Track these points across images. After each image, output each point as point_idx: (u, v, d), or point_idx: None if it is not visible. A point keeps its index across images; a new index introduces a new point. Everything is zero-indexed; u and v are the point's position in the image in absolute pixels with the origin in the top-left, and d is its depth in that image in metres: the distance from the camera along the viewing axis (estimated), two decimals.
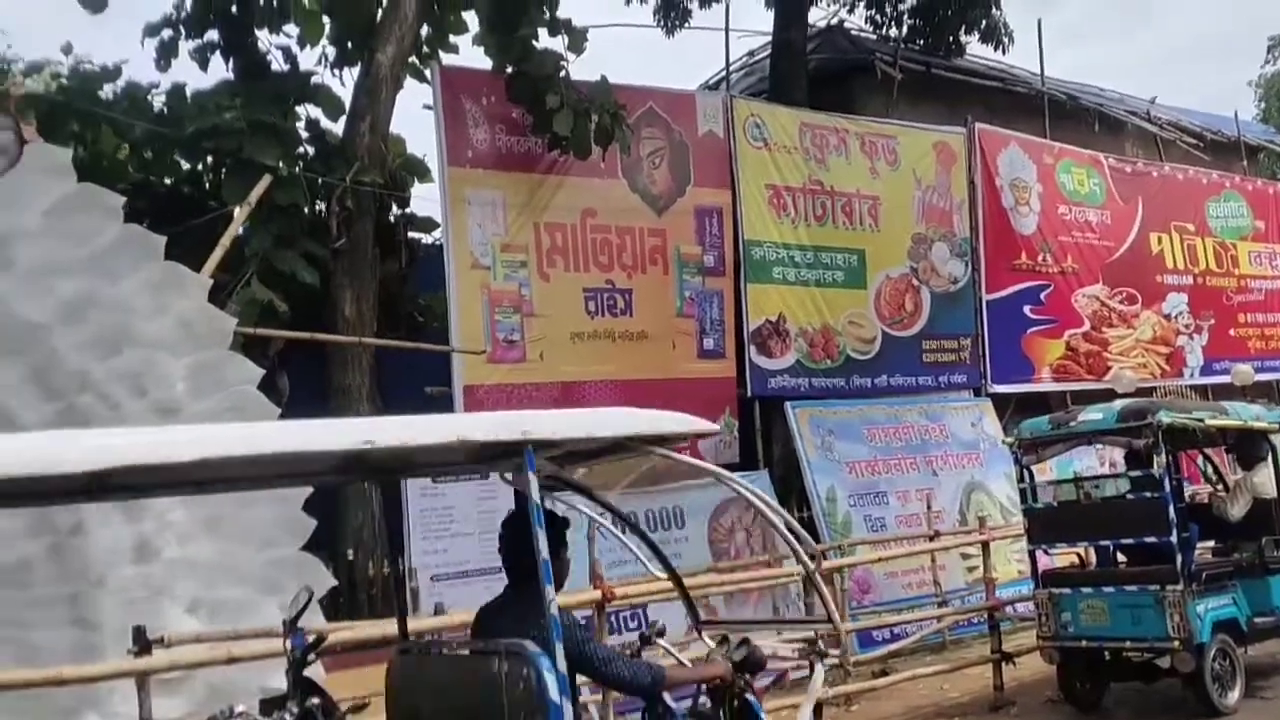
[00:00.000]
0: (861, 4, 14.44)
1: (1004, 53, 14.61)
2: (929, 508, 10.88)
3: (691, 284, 11.33)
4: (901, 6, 14.25)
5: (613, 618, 7.93)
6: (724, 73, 13.91)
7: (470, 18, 10.33)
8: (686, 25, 14.30)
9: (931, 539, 10.39)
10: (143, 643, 5.12)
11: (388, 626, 5.71)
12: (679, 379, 10.94)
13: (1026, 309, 13.71)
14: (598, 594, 6.77)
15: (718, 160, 11.59)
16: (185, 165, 9.86)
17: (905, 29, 14.39)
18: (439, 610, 6.40)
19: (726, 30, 13.49)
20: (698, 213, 11.45)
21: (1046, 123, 14.87)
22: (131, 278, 6.02)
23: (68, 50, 9.93)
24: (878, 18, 14.42)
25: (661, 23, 14.30)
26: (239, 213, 8.22)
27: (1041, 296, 13.85)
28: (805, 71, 13.20)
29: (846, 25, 15.01)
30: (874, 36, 14.64)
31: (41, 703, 5.00)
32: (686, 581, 6.73)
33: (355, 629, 5.88)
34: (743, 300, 11.49)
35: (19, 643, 5.29)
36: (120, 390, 5.86)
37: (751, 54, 15.35)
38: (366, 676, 6.48)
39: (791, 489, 11.10)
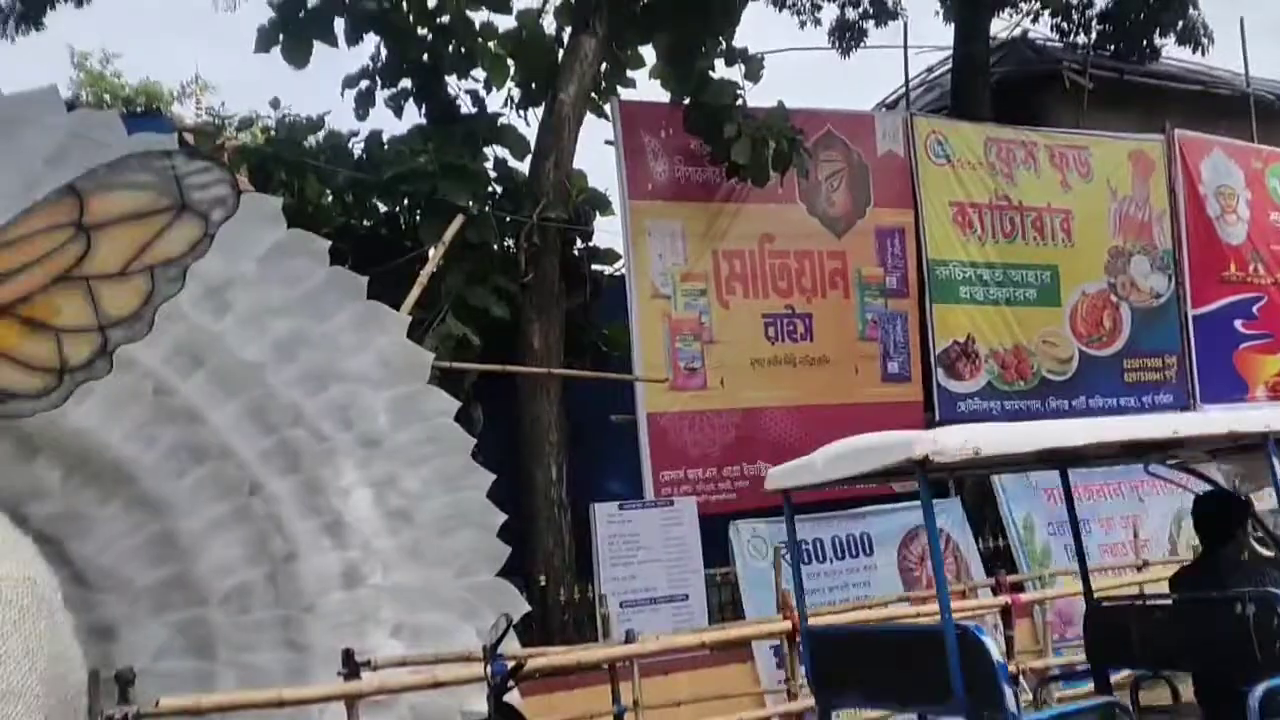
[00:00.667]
0: (1046, 12, 13.90)
1: (1203, 54, 13.78)
2: (1135, 535, 10.27)
3: (874, 306, 11.13)
4: (1090, 13, 13.66)
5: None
6: (903, 90, 13.65)
7: (647, 52, 10.48)
8: (862, 45, 14.11)
9: (1139, 569, 9.80)
10: (351, 666, 5.34)
11: (582, 653, 5.77)
12: (863, 404, 10.74)
13: (1238, 323, 12.84)
14: (787, 624, 6.68)
15: (899, 180, 11.37)
16: (383, 208, 10.32)
17: (1094, 35, 13.78)
18: (630, 637, 6.43)
19: (905, 47, 13.26)
20: (879, 234, 11.24)
21: (1253, 125, 13.94)
22: (337, 317, 6.33)
23: (275, 105, 10.59)
24: (1064, 25, 13.87)
25: (837, 44, 14.16)
26: (434, 252, 8.57)
27: (1254, 310, 12.96)
28: (988, 85, 12.82)
29: (1031, 35, 14.50)
30: (1061, 45, 14.08)
31: None
32: (878, 612, 6.62)
33: (549, 655, 5.97)
34: (928, 322, 11.21)
35: (242, 665, 5.59)
36: (329, 424, 6.15)
37: (930, 70, 15.02)
38: (557, 703, 6.58)
39: (985, 517, 10.70)
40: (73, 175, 5.10)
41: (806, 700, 6.31)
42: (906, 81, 13.54)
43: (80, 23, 37.88)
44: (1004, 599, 7.46)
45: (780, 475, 4.75)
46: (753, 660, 8.13)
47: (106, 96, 18.62)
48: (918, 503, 5.61)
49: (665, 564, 8.88)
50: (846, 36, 14.08)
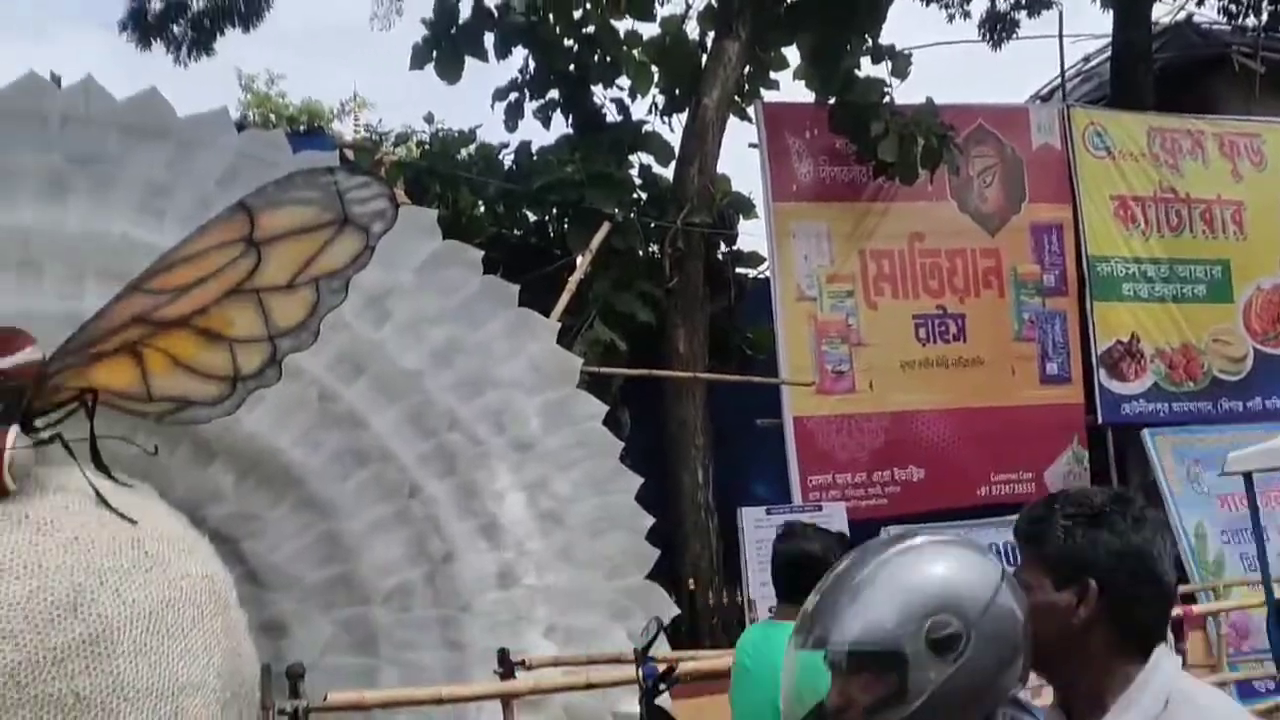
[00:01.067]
0: None
1: None
2: None
3: (1030, 305, 10.77)
4: None
5: None
6: (1058, 82, 13.17)
7: (791, 53, 10.41)
8: (1014, 36, 13.68)
9: None
10: (506, 665, 5.45)
11: (733, 658, 5.75)
12: (1020, 406, 10.41)
13: None
14: None
15: (1055, 174, 10.98)
16: (532, 217, 10.54)
17: (1265, 16, 13.01)
18: None
19: (1060, 37, 12.79)
20: (1034, 230, 10.88)
21: None
22: (491, 324, 6.43)
23: (430, 120, 10.97)
24: (1232, 8, 13.15)
25: (987, 36, 13.77)
26: (581, 259, 8.69)
27: None
28: (1151, 72, 12.24)
29: (1195, 19, 13.79)
30: (1229, 28, 13.34)
31: (423, 719, 5.44)
32: None
33: (700, 659, 5.97)
34: (1089, 321, 10.78)
35: (403, 663, 5.72)
36: (483, 428, 6.23)
37: (1087, 59, 14.45)
38: (705, 707, 6.56)
39: None
40: (243, 193, 5.35)
41: None
42: (1062, 72, 13.07)
43: (247, 47, 39.96)
44: (1176, 610, 7.07)
45: (1242, 459, 4.95)
46: None
47: (272, 116, 19.56)
48: None
49: None
50: (998, 28, 13.69)
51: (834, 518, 9.17)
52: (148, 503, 4.68)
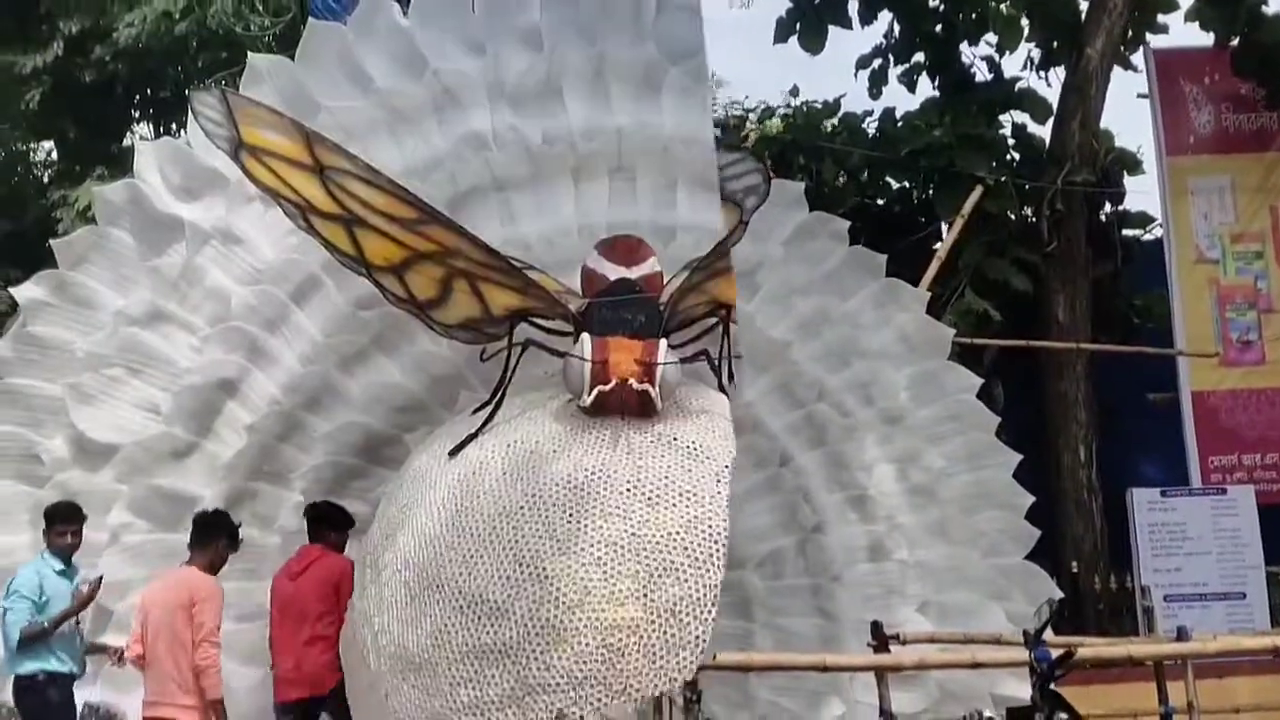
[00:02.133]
0: None
1: None
2: None
3: None
4: None
5: None
6: None
7: None
8: None
9: None
10: (880, 638, 5.37)
11: (1133, 647, 5.32)
12: None
13: None
14: None
15: None
16: (896, 185, 10.34)
17: None
18: (1183, 635, 5.80)
19: None
20: None
21: None
22: (858, 294, 6.43)
23: (795, 93, 11.03)
24: None
25: None
26: (952, 225, 8.39)
27: None
28: None
29: None
30: None
31: (797, 683, 5.54)
32: None
33: (1096, 646, 5.57)
34: None
35: (775, 628, 5.84)
36: (851, 399, 6.25)
37: None
38: (1096, 695, 6.12)
39: None
40: None
41: None
42: None
43: None
44: None
45: None
46: None
47: None
48: None
49: (1217, 557, 8.12)
50: None
51: (1240, 502, 8.32)
52: None
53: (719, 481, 4.06)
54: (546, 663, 3.79)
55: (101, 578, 4.83)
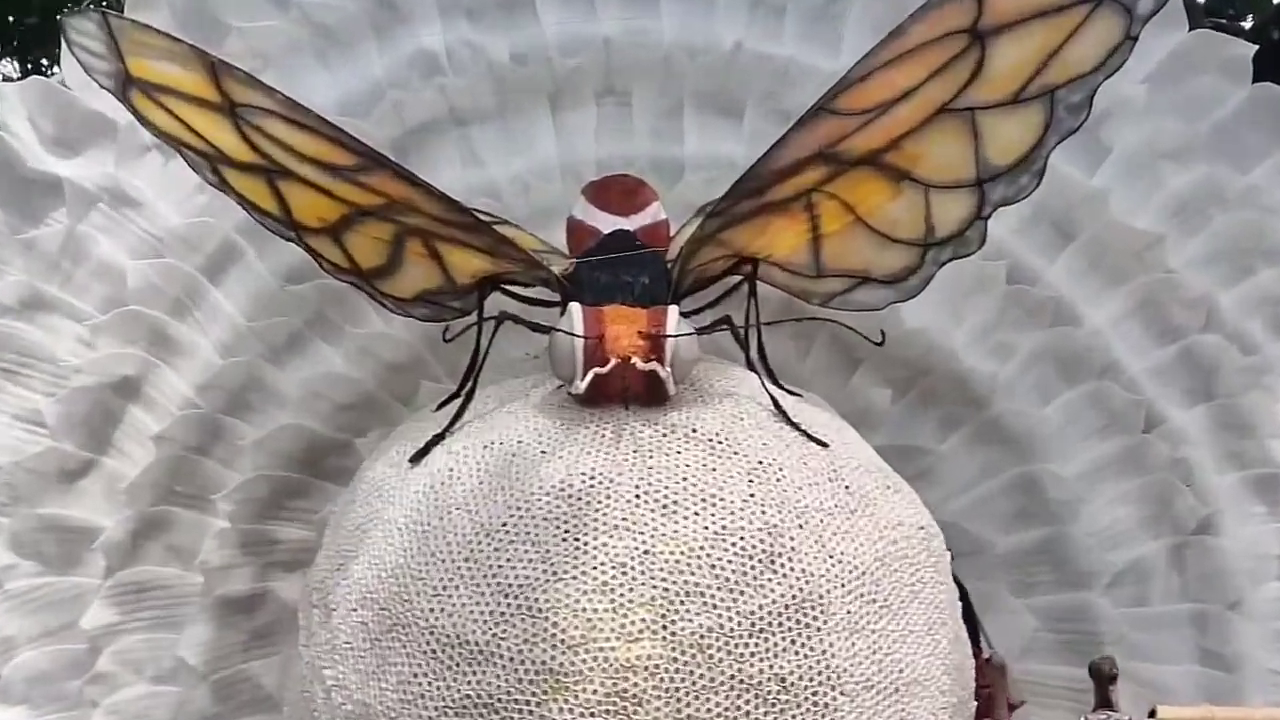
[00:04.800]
0: None
1: None
2: None
3: None
4: None
5: None
6: None
7: None
8: None
9: None
10: None
11: None
12: None
13: None
14: None
15: None
16: None
17: None
18: None
19: None
20: None
21: None
22: (1265, 162, 5.69)
23: None
24: None
25: None
26: None
27: None
28: None
29: None
30: None
31: None
32: None
33: None
34: None
35: (1134, 679, 5.28)
36: (1256, 326, 5.64)
37: None
38: None
39: None
40: None
41: None
42: None
43: None
44: None
45: None
46: None
47: None
48: None
49: None
50: None
51: None
52: (833, 420, 4.67)
53: (752, 481, 4.03)
54: (543, 716, 3.82)
55: None
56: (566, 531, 3.97)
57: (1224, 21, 8.36)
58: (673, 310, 4.26)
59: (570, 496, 4.02)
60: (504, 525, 4.04)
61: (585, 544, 3.92)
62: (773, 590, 3.87)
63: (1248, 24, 8.76)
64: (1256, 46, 5.90)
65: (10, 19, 11.02)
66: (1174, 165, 5.61)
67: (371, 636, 4.15)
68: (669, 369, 4.16)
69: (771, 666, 3.81)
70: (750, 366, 4.58)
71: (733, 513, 3.97)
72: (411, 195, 4.51)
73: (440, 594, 4.02)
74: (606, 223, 4.76)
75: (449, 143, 5.56)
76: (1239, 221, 5.62)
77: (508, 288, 4.77)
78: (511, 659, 3.86)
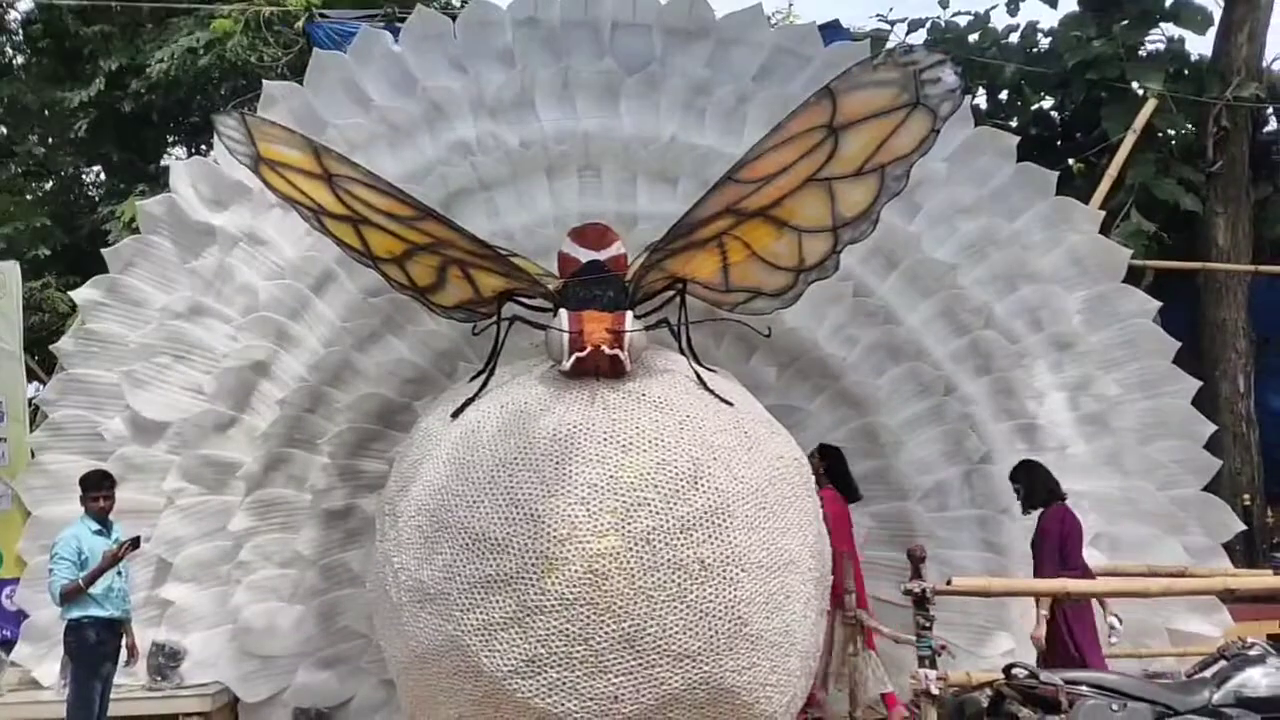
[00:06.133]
0: None
1: None
2: None
3: None
4: None
5: None
6: None
7: None
8: None
9: None
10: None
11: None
12: None
13: None
14: None
15: None
16: (1049, 103, 9.29)
17: None
18: None
19: None
20: None
21: None
22: (1026, 214, 5.92)
23: (945, 4, 9.64)
24: None
25: None
26: (1124, 142, 7.44)
27: None
28: None
29: None
30: None
31: (965, 619, 5.35)
32: None
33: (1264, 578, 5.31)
34: None
35: (941, 560, 5.43)
36: (1019, 324, 5.87)
37: None
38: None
39: None
40: (777, 90, 5.37)
41: None
42: None
43: None
44: None
45: None
46: None
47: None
48: None
49: None
50: None
51: None
52: (735, 387, 4.74)
53: (683, 428, 4.26)
54: (541, 588, 3.99)
55: (136, 539, 5.15)
56: (557, 463, 4.22)
57: (998, 121, 8.63)
58: (629, 314, 4.48)
59: (560, 439, 4.31)
60: (514, 459, 4.34)
61: (570, 471, 4.19)
62: (696, 502, 4.01)
63: (1014, 123, 8.87)
64: (1019, 138, 6.45)
65: (180, 118, 10.91)
66: (964, 217, 6.07)
67: (424, 535, 4.48)
68: (626, 353, 4.25)
69: (695, 553, 3.91)
70: (681, 352, 4.92)
71: (669, 450, 4.22)
72: (452, 237, 4.89)
73: (471, 505, 4.34)
74: (585, 255, 5.02)
75: (478, 202, 6.14)
76: (1008, 255, 6.08)
77: (518, 299, 5.22)
78: (520, 549, 4.12)
